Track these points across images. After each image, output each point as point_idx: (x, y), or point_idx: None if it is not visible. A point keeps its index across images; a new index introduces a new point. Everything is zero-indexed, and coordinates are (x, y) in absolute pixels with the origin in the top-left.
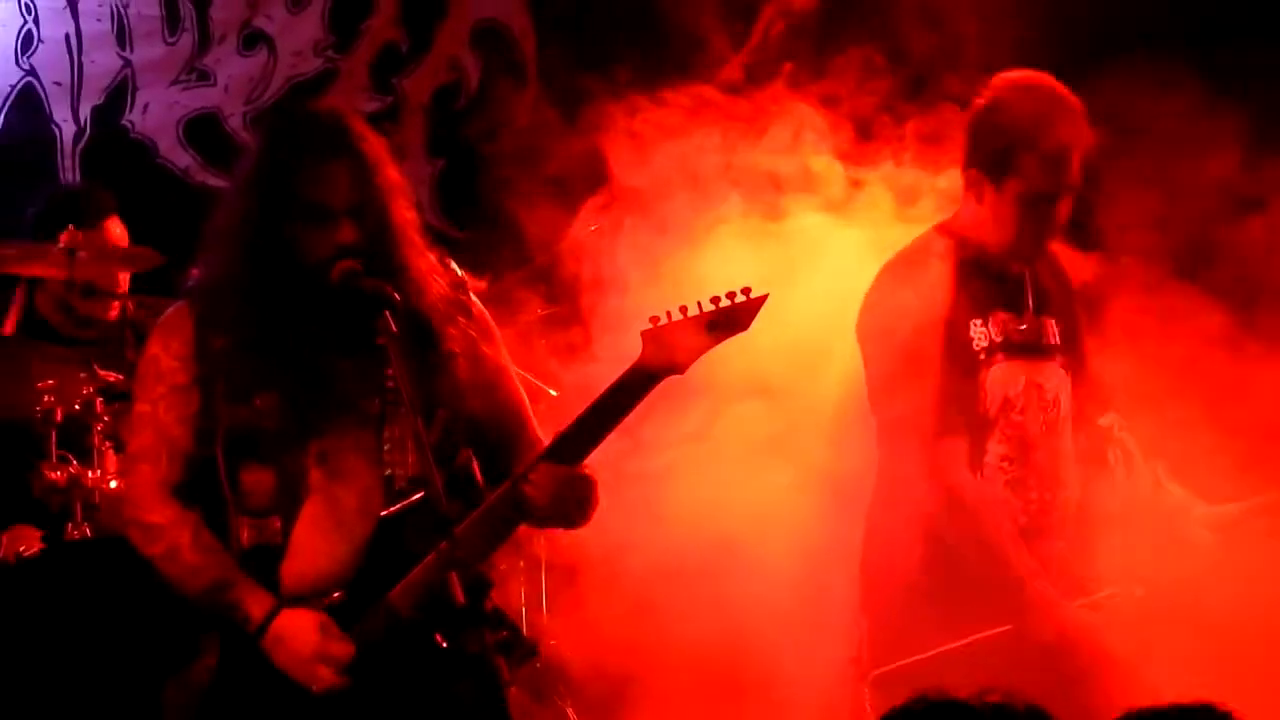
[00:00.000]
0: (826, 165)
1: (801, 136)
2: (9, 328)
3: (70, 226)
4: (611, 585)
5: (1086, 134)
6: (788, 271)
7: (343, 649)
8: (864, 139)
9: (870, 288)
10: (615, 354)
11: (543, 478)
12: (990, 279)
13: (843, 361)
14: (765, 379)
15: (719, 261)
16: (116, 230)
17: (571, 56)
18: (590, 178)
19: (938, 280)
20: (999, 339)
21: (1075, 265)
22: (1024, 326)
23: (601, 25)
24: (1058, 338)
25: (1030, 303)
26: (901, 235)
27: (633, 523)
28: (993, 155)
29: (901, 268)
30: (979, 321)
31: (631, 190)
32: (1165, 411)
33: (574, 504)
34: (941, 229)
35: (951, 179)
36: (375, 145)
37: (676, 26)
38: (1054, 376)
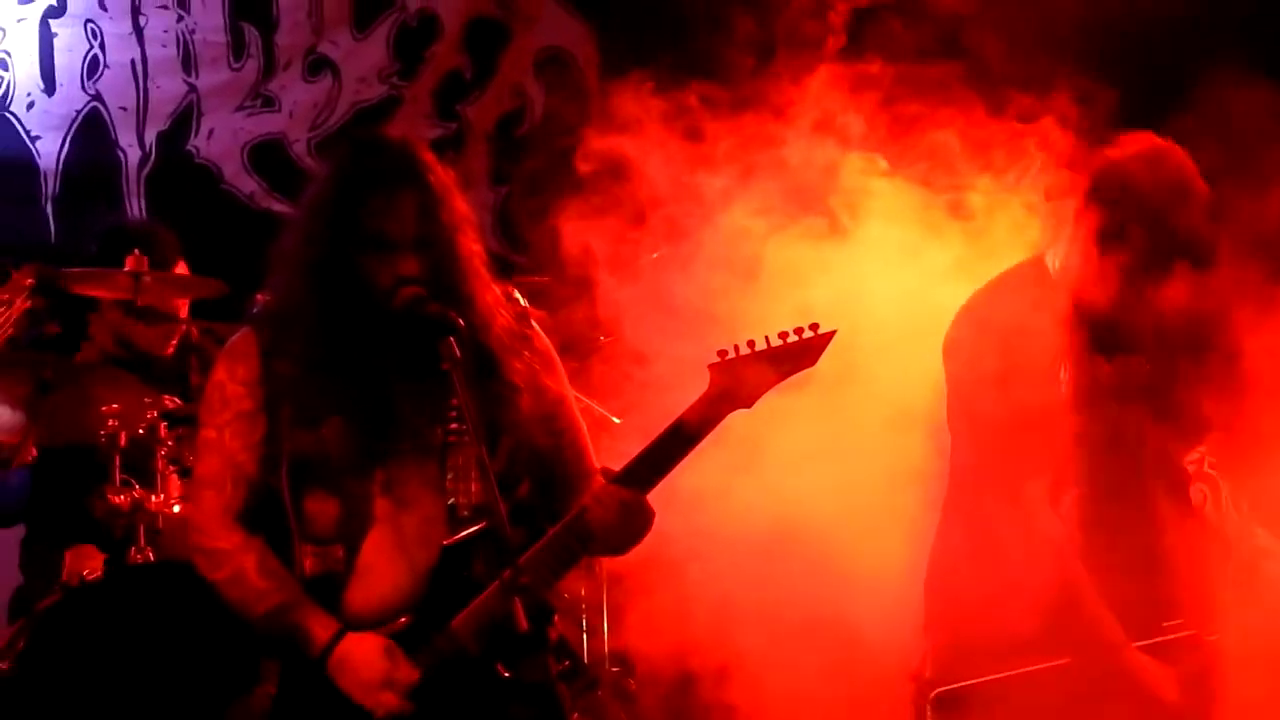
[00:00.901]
0: (897, 187)
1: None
2: (91, 354)
3: (136, 251)
4: (674, 593)
5: (1204, 215)
6: (856, 282)
7: (407, 674)
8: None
9: (963, 309)
10: (680, 382)
11: (609, 501)
12: (1082, 320)
13: (922, 361)
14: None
15: (781, 289)
16: (182, 273)
17: (636, 84)
18: (651, 206)
19: (1029, 314)
20: (1086, 379)
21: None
22: (1112, 368)
23: (666, 53)
24: (1146, 378)
25: (1122, 344)
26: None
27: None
28: (1109, 222)
29: (995, 296)
30: (1069, 362)
31: (693, 217)
32: (1265, 448)
33: (634, 531)
34: (1038, 263)
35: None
36: (443, 177)
37: (742, 55)
38: (1139, 417)
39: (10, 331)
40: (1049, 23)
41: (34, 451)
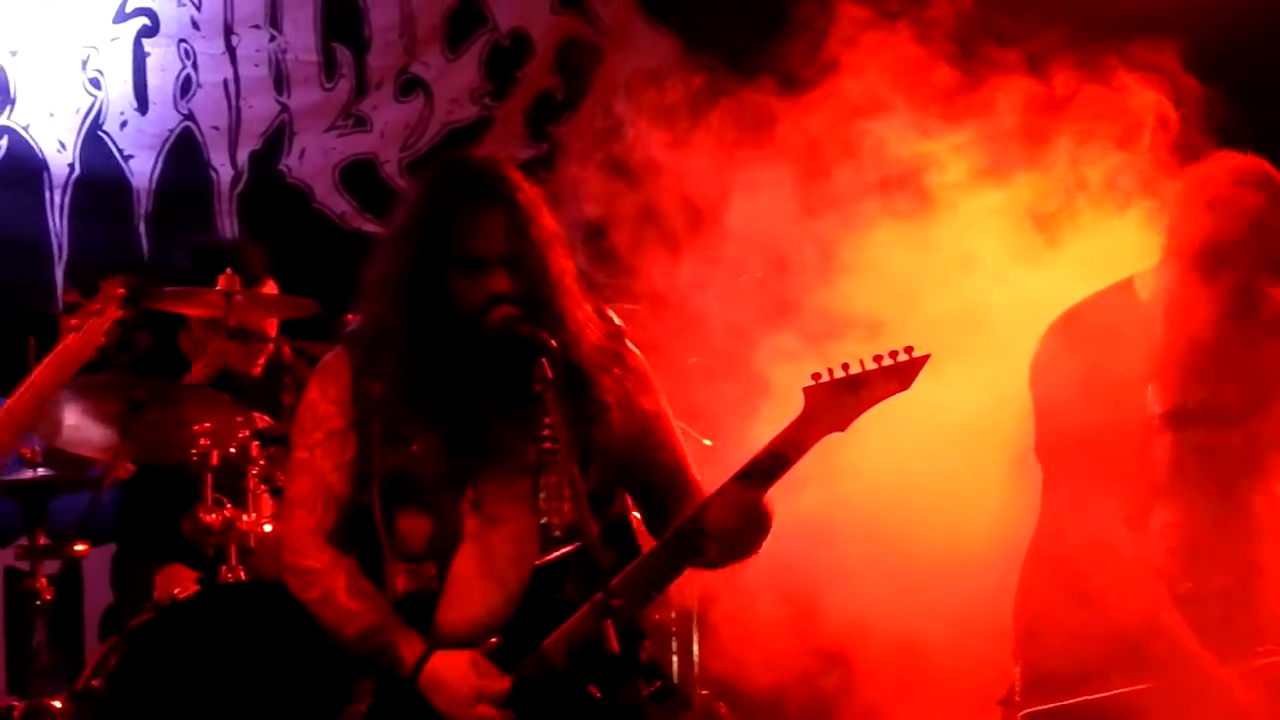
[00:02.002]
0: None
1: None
2: (198, 376)
3: (229, 270)
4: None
5: None
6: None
7: (499, 685)
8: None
9: (1046, 333)
10: (770, 403)
11: (726, 501)
12: (1173, 344)
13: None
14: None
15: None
16: (271, 292)
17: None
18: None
19: (1116, 339)
20: (1175, 404)
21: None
22: (1206, 392)
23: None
24: (1241, 402)
25: (1217, 368)
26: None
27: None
28: (1201, 245)
29: (1081, 320)
30: (1156, 386)
31: (783, 239)
32: None
33: (754, 531)
34: (1126, 287)
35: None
36: (531, 194)
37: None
38: (1231, 442)
39: (101, 341)
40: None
41: (129, 467)
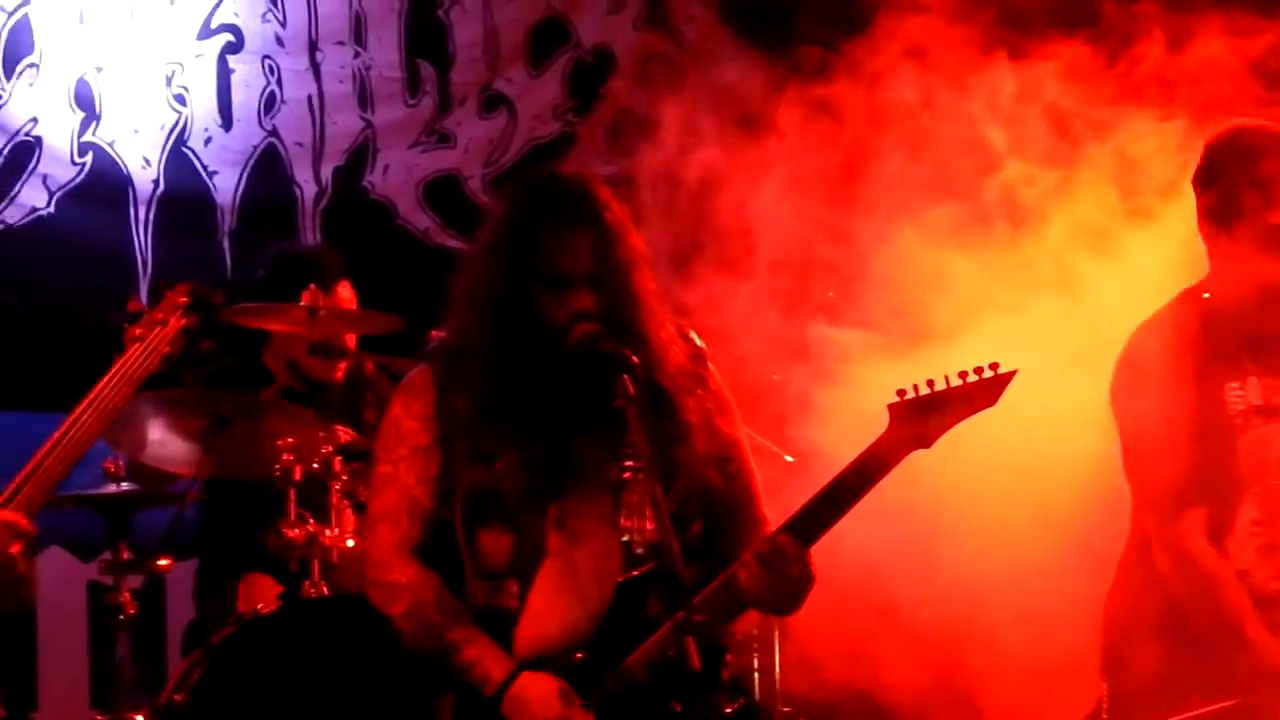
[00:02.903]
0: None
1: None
2: (269, 394)
3: (312, 285)
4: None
5: None
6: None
7: (583, 717)
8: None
9: (1122, 351)
10: (850, 420)
11: (770, 558)
12: (1246, 339)
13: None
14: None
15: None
16: (346, 294)
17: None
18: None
19: (1188, 345)
20: (1258, 402)
21: None
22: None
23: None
24: None
25: None
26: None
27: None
28: (1216, 202)
29: (1152, 333)
30: (1235, 385)
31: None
32: None
33: (790, 593)
34: (1191, 293)
35: None
36: (619, 213)
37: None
38: None
39: (166, 350)
40: None
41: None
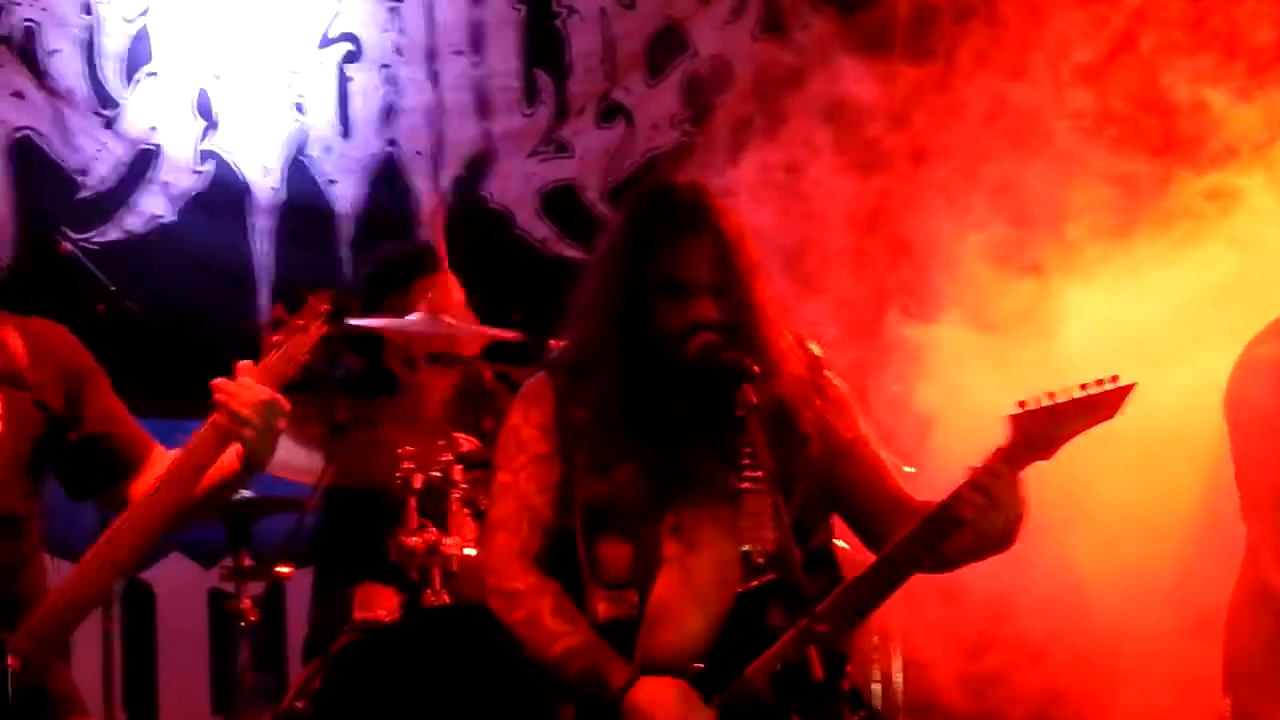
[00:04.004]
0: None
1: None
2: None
3: (424, 281)
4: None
5: None
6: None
7: (704, 716)
8: None
9: (1238, 361)
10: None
11: (980, 483)
12: None
13: None
14: None
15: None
16: (451, 284)
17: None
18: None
19: None
20: None
21: None
22: None
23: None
24: None
25: None
26: None
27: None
28: None
29: (1269, 339)
30: None
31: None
32: None
33: (1013, 514)
34: None
35: None
36: (737, 223)
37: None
38: None
39: (305, 359)
40: None
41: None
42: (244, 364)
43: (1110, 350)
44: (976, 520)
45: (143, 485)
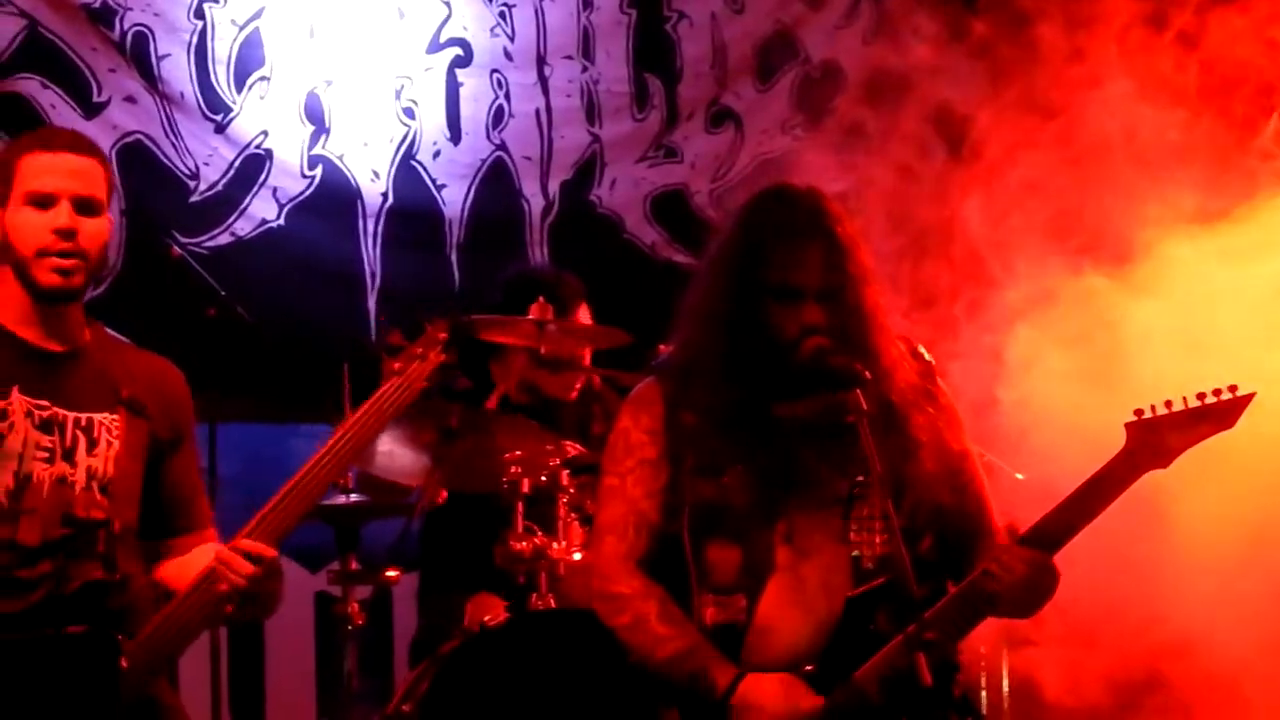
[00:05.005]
0: None
1: None
2: (492, 402)
3: (540, 299)
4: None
5: None
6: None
7: (811, 702)
8: None
9: None
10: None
11: (1013, 562)
12: None
13: None
14: None
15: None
16: (585, 318)
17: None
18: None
19: None
20: None
21: None
22: None
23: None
24: None
25: None
26: None
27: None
28: None
29: None
30: None
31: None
32: None
33: (1038, 594)
34: None
35: None
36: (850, 228)
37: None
38: None
39: (423, 385)
40: None
41: (443, 494)
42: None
43: (1185, 354)
44: (1003, 593)
45: (175, 566)
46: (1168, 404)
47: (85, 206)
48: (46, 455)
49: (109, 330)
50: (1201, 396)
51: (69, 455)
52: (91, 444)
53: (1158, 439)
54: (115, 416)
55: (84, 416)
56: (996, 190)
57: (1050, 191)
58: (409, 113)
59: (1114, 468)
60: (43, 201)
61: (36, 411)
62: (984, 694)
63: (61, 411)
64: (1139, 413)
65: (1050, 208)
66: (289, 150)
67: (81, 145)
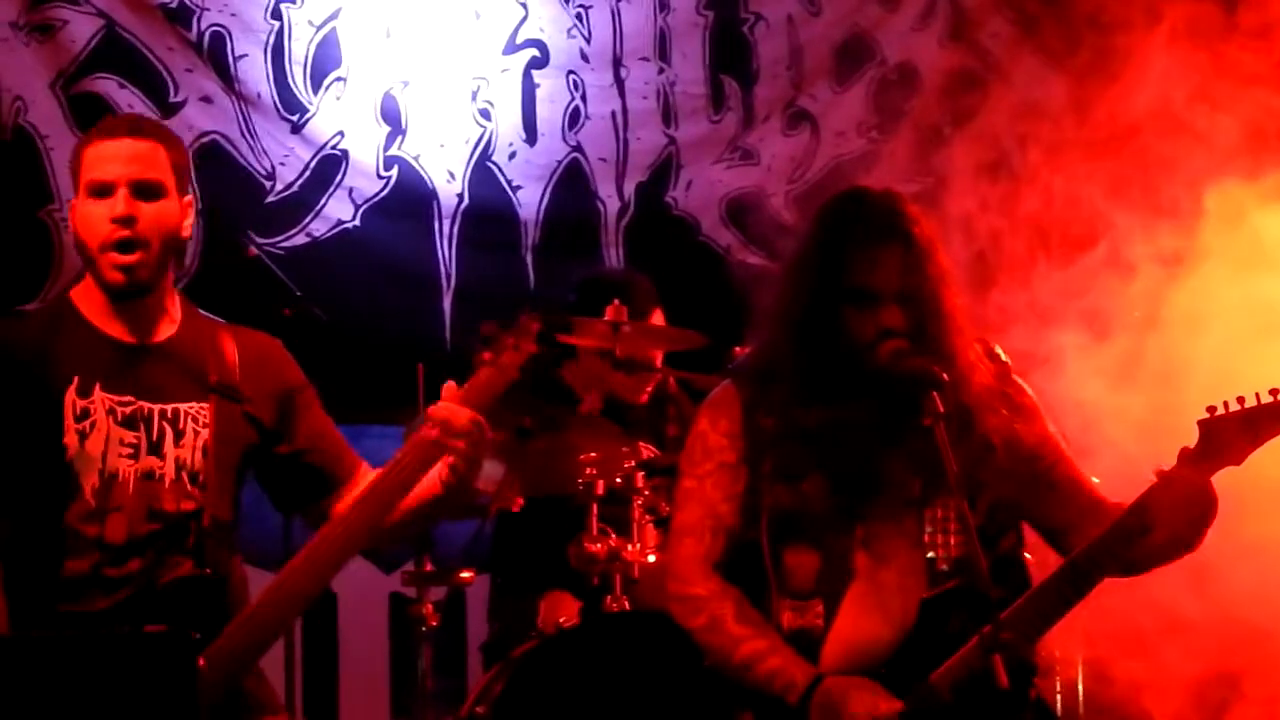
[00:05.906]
0: None
1: None
2: (591, 404)
3: (615, 301)
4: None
5: None
6: None
7: (890, 705)
8: None
9: None
10: (1156, 438)
11: (1169, 488)
12: None
13: None
14: None
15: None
16: (659, 320)
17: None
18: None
19: None
20: None
21: None
22: None
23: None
24: None
25: None
26: None
27: None
28: None
29: None
30: None
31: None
32: None
33: (1199, 516)
34: None
35: None
36: (928, 230)
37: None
38: None
39: (515, 376)
40: None
41: (519, 501)
42: (449, 386)
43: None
44: (1166, 523)
45: (346, 502)
46: (1240, 400)
47: (144, 191)
48: (131, 451)
49: (202, 312)
50: (1274, 393)
51: (155, 449)
52: (179, 435)
53: (1231, 436)
54: (204, 405)
55: (170, 408)
56: (1079, 189)
57: (1138, 189)
58: (485, 114)
59: (1186, 465)
60: (101, 190)
61: (119, 408)
62: (1058, 697)
63: (146, 405)
64: (1211, 410)
65: (1140, 206)
66: (365, 151)
67: (142, 128)
